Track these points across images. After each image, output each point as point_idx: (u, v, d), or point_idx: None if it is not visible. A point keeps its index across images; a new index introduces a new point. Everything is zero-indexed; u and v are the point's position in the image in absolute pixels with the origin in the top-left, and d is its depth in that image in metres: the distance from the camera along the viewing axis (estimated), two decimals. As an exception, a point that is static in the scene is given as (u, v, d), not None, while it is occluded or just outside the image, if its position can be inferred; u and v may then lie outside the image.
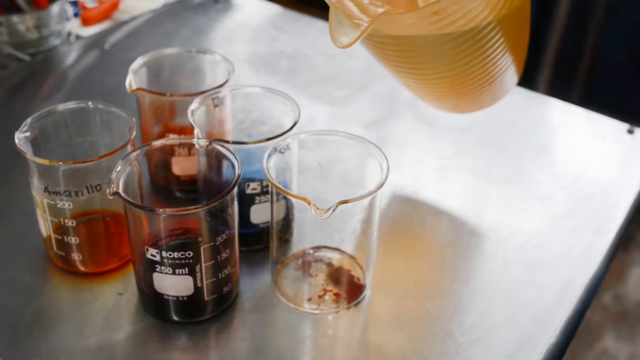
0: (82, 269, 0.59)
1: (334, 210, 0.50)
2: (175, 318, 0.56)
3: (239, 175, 0.53)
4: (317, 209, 0.50)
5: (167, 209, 0.50)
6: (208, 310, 0.56)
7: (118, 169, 0.53)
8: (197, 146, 0.56)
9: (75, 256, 0.59)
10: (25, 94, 0.84)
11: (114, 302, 0.58)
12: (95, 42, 0.94)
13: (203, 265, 0.53)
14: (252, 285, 0.60)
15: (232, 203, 0.54)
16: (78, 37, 0.98)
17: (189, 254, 0.52)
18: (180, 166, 0.65)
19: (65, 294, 0.59)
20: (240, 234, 0.60)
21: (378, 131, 0.80)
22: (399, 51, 0.58)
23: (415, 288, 0.60)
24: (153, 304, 0.56)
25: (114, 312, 0.57)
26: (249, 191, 0.59)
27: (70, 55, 0.93)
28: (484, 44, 0.56)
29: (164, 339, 0.55)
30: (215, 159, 0.57)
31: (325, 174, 0.60)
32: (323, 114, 0.82)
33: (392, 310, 0.58)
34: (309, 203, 0.50)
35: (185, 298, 0.54)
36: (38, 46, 0.91)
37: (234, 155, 0.54)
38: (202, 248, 0.52)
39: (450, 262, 0.62)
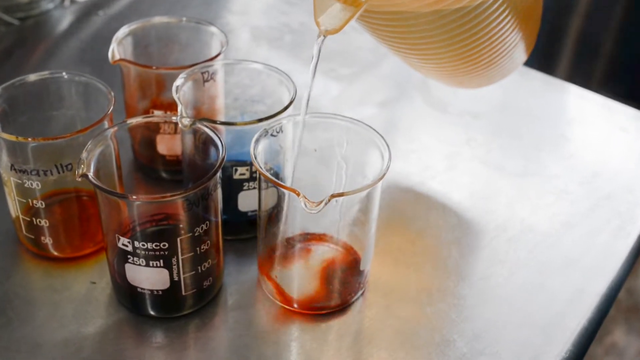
0: (54, 253, 0.55)
1: (325, 204, 0.45)
2: (150, 312, 0.51)
3: (223, 159, 0.47)
4: (308, 201, 0.45)
5: (140, 196, 0.45)
6: (186, 306, 0.51)
7: (89, 148, 0.48)
8: (180, 125, 0.51)
9: (46, 240, 0.54)
10: (13, 61, 0.79)
11: (86, 292, 0.53)
12: (92, 7, 0.89)
13: (180, 257, 0.48)
14: (237, 279, 0.55)
15: (215, 190, 0.49)
16: (73, 1, 0.93)
17: (164, 245, 0.47)
18: (166, 145, 0.60)
19: (35, 281, 0.54)
20: (227, 222, 0.56)
21: (384, 114, 0.74)
22: (398, 29, 0.53)
23: (414, 290, 0.55)
24: (127, 296, 0.51)
25: (85, 303, 0.52)
26: (236, 176, 0.54)
27: (64, 21, 0.87)
28: (491, 19, 0.50)
29: (137, 334, 0.51)
30: (200, 140, 0.52)
31: (322, 160, 0.54)
32: (328, 93, 0.76)
33: (388, 313, 0.52)
34: (298, 194, 0.45)
35: (160, 292, 0.49)
36: (29, 10, 0.86)
37: (219, 137, 0.49)
38: (179, 239, 0.47)
39: (454, 262, 0.57)
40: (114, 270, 0.50)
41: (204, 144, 0.51)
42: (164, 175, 0.63)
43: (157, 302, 0.50)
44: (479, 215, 0.62)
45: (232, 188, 0.55)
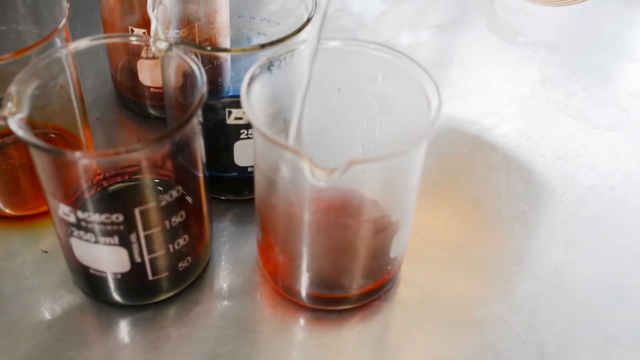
0: (-4, 210, 0.43)
1: (342, 173, 0.31)
2: (109, 299, 0.38)
3: (202, 99, 0.34)
4: (316, 167, 0.31)
5: (78, 153, 0.31)
6: (155, 293, 0.38)
7: (22, 78, 0.35)
8: (153, 50, 0.37)
9: (-15, 193, 0.42)
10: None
11: (34, 263, 0.41)
12: None
13: (141, 233, 0.35)
14: (232, 254, 0.42)
15: (194, 141, 0.35)
16: None
17: (117, 218, 0.34)
18: (149, 74, 0.47)
19: (-29, 244, 0.42)
20: (221, 180, 0.43)
21: (437, 41, 0.59)
22: None
23: (462, 284, 0.41)
24: (80, 277, 0.39)
25: (31, 278, 0.40)
26: (231, 121, 0.40)
27: None
28: None
29: (91, 326, 0.38)
30: (179, 72, 0.38)
31: (347, 104, 0.40)
32: (370, 10, 0.61)
33: (424, 315, 0.39)
34: (301, 157, 0.31)
35: (119, 276, 0.37)
36: None
37: (198, 67, 0.35)
38: (137, 211, 0.34)
39: (518, 246, 0.43)
40: (62, 244, 0.38)
41: (184, 76, 0.37)
42: (151, 111, 0.49)
43: (117, 287, 0.37)
44: (554, 182, 0.47)
45: (226, 136, 0.41)
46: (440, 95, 0.34)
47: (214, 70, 0.47)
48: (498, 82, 0.55)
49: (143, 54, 0.45)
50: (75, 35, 0.40)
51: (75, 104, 0.42)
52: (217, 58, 0.46)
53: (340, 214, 0.35)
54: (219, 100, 0.40)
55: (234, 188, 0.44)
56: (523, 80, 0.55)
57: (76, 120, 0.42)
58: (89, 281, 0.38)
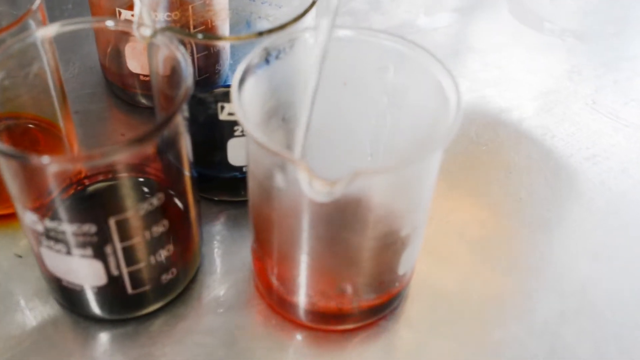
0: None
1: (346, 185, 0.26)
2: (86, 312, 0.35)
3: (186, 92, 0.30)
4: (314, 178, 0.26)
5: (40, 157, 0.27)
6: (137, 307, 0.35)
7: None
8: (137, 36, 0.33)
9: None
10: None
11: (7, 270, 0.37)
12: None
13: (118, 245, 0.31)
14: (224, 262, 0.38)
15: (178, 139, 0.31)
16: None
17: (90, 229, 0.30)
18: (138, 60, 0.43)
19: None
20: (214, 179, 0.39)
21: (456, 27, 0.54)
22: None
23: (477, 300, 0.37)
24: (53, 287, 0.35)
25: (3, 285, 0.37)
26: (224, 117, 0.36)
27: None
28: None
29: (65, 342, 0.35)
30: (166, 61, 0.34)
31: (354, 101, 0.36)
32: (379, -4, 0.57)
33: (435, 336, 0.35)
34: (300, 167, 0.27)
35: (95, 289, 0.33)
36: None
37: (185, 59, 0.31)
38: (113, 220, 0.30)
39: (540, 257, 0.39)
40: (33, 252, 0.34)
41: (170, 66, 0.33)
42: (141, 100, 0.45)
43: (94, 300, 0.34)
44: (581, 186, 0.43)
45: (219, 133, 0.37)
46: (460, 93, 0.30)
47: (210, 57, 0.43)
48: (520, 74, 0.50)
49: (131, 39, 0.41)
50: (64, 17, 0.36)
51: (53, 93, 0.38)
52: (213, 45, 0.42)
53: (343, 228, 0.31)
54: (211, 93, 0.36)
55: (228, 188, 0.40)
56: (548, 72, 0.50)
57: (55, 111, 0.39)
58: (63, 293, 0.34)
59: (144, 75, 0.43)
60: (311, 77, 0.30)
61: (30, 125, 0.41)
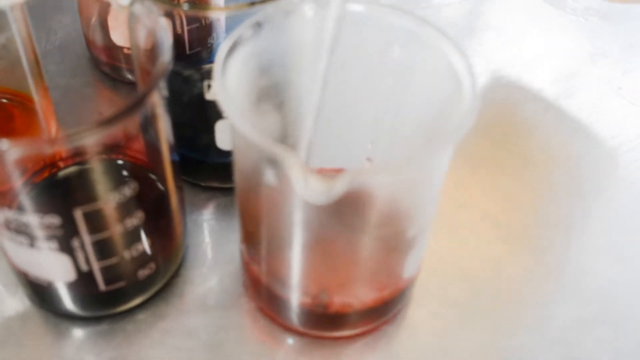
0: None
1: (342, 186, 0.23)
2: (56, 309, 0.32)
3: (164, 67, 0.26)
4: (308, 175, 0.23)
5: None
6: (111, 304, 0.32)
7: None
8: (114, 5, 0.30)
9: None
10: None
11: (-27, 258, 0.34)
12: None
13: (87, 239, 0.28)
14: (211, 256, 0.35)
15: (156, 120, 0.28)
16: None
17: (53, 221, 0.27)
18: (122, 32, 0.39)
19: None
20: (201, 164, 0.35)
21: (472, 1, 0.50)
22: None
23: (488, 304, 0.33)
24: (20, 281, 0.32)
25: (-31, 276, 0.34)
26: (211, 96, 0.33)
27: None
28: None
29: (33, 340, 0.32)
30: (146, 34, 0.30)
31: (354, 84, 0.32)
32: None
33: (438, 347, 0.32)
34: (291, 161, 0.23)
35: (65, 285, 0.30)
36: None
37: (164, 32, 0.28)
38: (79, 211, 0.27)
39: (557, 258, 0.35)
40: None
41: (150, 39, 0.30)
42: (127, 75, 0.42)
43: (63, 297, 0.31)
44: (605, 180, 0.39)
45: (206, 114, 0.34)
46: (475, 78, 0.26)
47: (201, 30, 0.39)
48: (540, 55, 0.46)
49: (114, 9, 0.38)
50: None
51: (26, 65, 0.34)
52: (204, 16, 0.38)
53: (341, 229, 0.27)
54: (198, 70, 0.33)
55: (217, 174, 0.37)
56: (570, 54, 0.47)
57: (28, 85, 0.35)
58: (31, 288, 0.31)
59: (128, 49, 0.40)
60: (321, 60, 0.27)
61: (4, 100, 0.37)
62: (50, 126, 0.37)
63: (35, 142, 0.25)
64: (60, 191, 0.31)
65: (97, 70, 0.43)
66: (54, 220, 0.26)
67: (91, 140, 0.25)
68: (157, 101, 0.27)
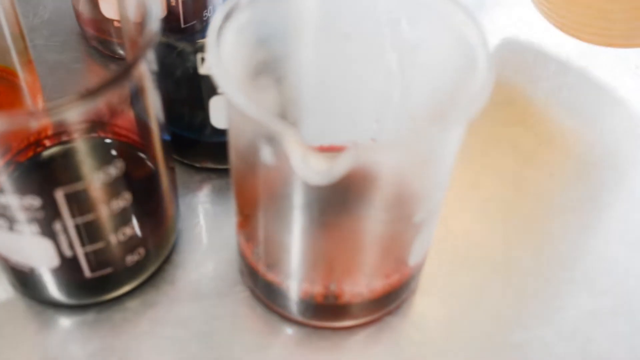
0: None
1: (344, 165, 0.21)
2: (40, 297, 0.30)
3: (151, 37, 0.24)
4: (308, 153, 0.21)
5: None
6: (97, 292, 0.30)
7: None
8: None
9: None
10: None
11: (-47, 240, 0.32)
12: None
13: (70, 221, 0.26)
14: (205, 241, 0.33)
15: (144, 96, 0.26)
16: None
17: (33, 202, 0.25)
18: (112, 4, 0.37)
19: None
20: (195, 143, 0.33)
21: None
22: None
23: (499, 294, 0.32)
24: (4, 270, 0.30)
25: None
26: (204, 70, 0.31)
27: None
28: None
29: (15, 329, 0.30)
30: (135, 5, 0.28)
31: (358, 57, 0.30)
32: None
33: (446, 340, 0.30)
34: (289, 137, 0.21)
35: (48, 272, 0.28)
36: None
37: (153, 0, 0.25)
38: (61, 192, 0.25)
39: (572, 245, 0.33)
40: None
41: (141, 12, 0.28)
42: (118, 50, 0.40)
43: (46, 283, 0.29)
44: (622, 163, 0.37)
45: (199, 89, 0.32)
46: (489, 49, 0.24)
47: (197, 2, 0.37)
48: (555, 31, 0.44)
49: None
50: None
51: (9, 37, 0.32)
52: (200, -14, 0.36)
53: (343, 212, 0.25)
54: (191, 44, 0.31)
55: (212, 154, 0.35)
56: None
57: (12, 59, 0.33)
58: (13, 274, 0.29)
59: (119, 21, 0.38)
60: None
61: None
62: (36, 102, 0.35)
63: (13, 115, 0.23)
64: (45, 171, 0.29)
65: (87, 45, 0.40)
66: (34, 201, 0.24)
67: (74, 114, 0.23)
68: (145, 74, 0.25)
